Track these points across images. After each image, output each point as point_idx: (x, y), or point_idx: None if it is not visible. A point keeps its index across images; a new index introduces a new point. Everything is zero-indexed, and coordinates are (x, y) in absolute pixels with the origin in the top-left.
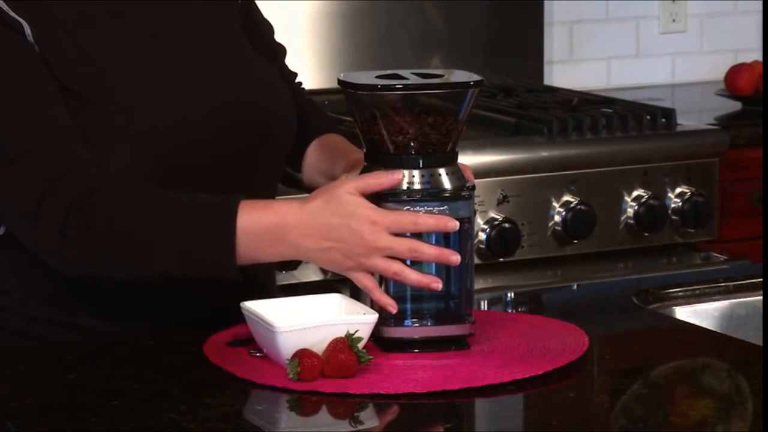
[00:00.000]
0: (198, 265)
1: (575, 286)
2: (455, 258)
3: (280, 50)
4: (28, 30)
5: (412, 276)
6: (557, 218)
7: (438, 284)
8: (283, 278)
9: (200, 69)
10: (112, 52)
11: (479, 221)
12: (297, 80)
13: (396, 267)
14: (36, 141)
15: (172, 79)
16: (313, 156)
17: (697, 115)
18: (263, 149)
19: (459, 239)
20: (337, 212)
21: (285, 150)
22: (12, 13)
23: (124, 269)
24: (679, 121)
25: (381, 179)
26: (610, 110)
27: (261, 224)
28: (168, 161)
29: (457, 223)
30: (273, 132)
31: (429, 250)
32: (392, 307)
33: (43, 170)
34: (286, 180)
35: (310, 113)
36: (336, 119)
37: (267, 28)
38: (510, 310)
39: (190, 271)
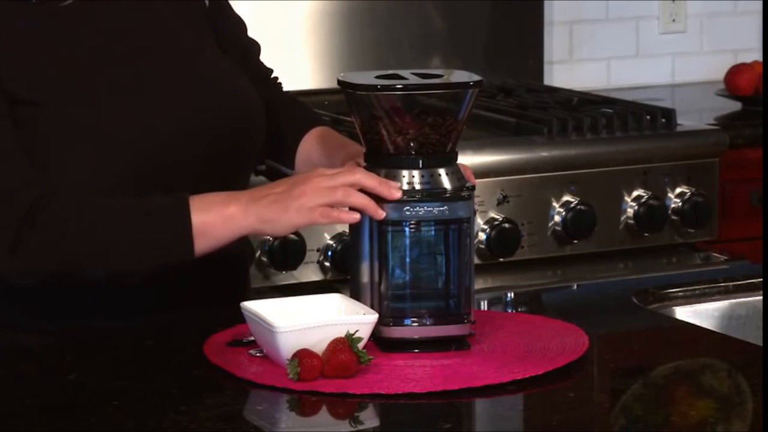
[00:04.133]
0: (154, 242)
1: (575, 286)
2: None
3: (253, 47)
4: None
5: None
6: (557, 218)
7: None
8: (283, 278)
9: (164, 71)
10: (74, 56)
11: (479, 221)
12: (274, 76)
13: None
14: None
15: (135, 83)
16: (308, 149)
17: (697, 115)
18: (231, 151)
19: (458, 239)
20: (290, 178)
21: (254, 151)
22: None
23: (80, 274)
24: (679, 121)
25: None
26: (610, 110)
27: (211, 195)
28: (133, 165)
29: (399, 193)
30: (240, 134)
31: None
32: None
33: None
34: (276, 178)
35: (295, 109)
36: (320, 114)
37: (239, 26)
38: (510, 310)
39: (145, 260)
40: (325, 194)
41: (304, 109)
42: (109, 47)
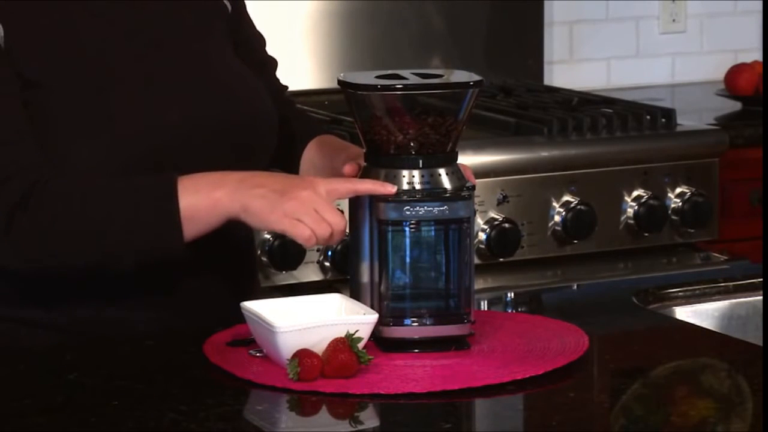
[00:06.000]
0: (142, 230)
1: (575, 286)
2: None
3: (271, 63)
4: None
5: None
6: (557, 218)
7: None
8: (283, 278)
9: (174, 70)
10: (85, 46)
11: (479, 221)
12: (289, 92)
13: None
14: None
15: (144, 79)
16: (310, 156)
17: (697, 115)
18: (236, 153)
19: (458, 239)
20: (288, 178)
21: (263, 157)
22: None
23: (71, 258)
24: (679, 121)
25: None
26: (610, 110)
27: (202, 177)
28: (136, 161)
29: (395, 188)
30: (247, 136)
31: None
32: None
33: None
34: None
35: (303, 121)
36: (320, 114)
37: (258, 41)
38: (510, 310)
39: (135, 243)
40: (311, 219)
41: (312, 121)
42: (121, 42)
